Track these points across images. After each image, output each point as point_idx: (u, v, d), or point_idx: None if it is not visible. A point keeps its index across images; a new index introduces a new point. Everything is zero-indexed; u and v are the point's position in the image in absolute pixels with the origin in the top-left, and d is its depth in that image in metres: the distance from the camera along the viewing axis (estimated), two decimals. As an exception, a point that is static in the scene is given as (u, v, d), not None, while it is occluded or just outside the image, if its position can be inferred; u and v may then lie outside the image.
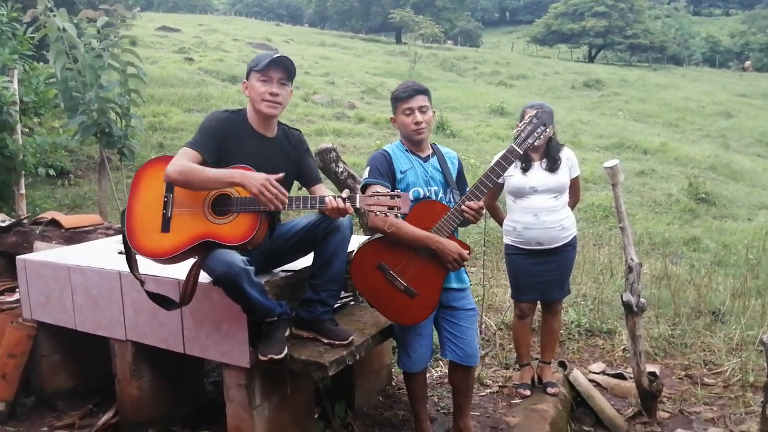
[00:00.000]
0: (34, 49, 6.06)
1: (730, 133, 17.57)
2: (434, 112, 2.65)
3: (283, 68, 2.36)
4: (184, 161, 2.19)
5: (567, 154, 3.25)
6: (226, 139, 2.31)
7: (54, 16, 4.61)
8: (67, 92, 4.87)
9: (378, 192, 2.20)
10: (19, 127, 5.17)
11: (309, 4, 52.73)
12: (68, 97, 4.89)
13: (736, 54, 44.63)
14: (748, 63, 40.12)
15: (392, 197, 2.10)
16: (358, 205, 2.17)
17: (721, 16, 75.45)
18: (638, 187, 10.13)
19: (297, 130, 2.60)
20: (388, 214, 2.12)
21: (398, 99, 2.54)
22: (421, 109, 2.53)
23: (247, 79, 2.40)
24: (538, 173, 3.18)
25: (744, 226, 8.45)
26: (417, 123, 2.52)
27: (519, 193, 3.21)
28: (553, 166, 3.17)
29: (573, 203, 3.38)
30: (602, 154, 12.27)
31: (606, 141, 13.72)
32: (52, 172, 5.99)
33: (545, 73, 28.36)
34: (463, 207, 2.40)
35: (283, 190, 2.13)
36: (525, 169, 3.18)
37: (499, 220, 3.45)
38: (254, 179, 2.10)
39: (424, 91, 2.56)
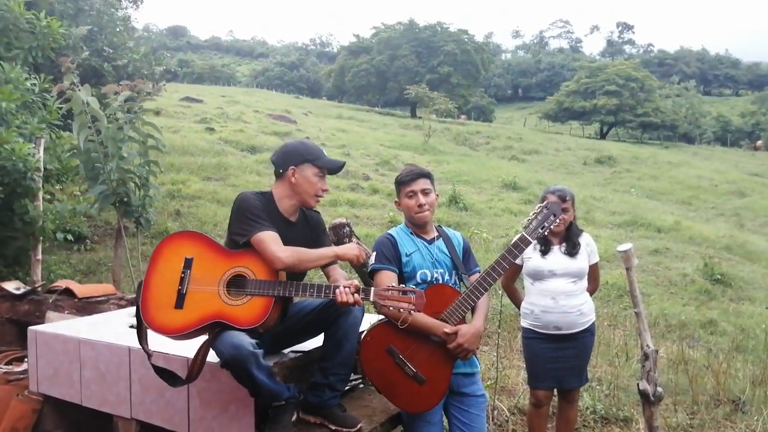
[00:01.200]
0: (61, 118, 6.32)
1: (744, 213, 17.52)
2: (437, 195, 2.71)
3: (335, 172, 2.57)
4: (286, 247, 2.28)
5: (587, 240, 3.27)
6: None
7: (79, 90, 4.84)
8: (89, 163, 5.03)
9: (393, 287, 2.21)
10: (41, 193, 5.32)
11: (328, 79, 54.76)
12: (90, 167, 5.05)
13: (747, 133, 45.25)
14: (759, 142, 40.55)
15: (405, 292, 2.11)
16: (371, 299, 2.18)
17: (731, 97, 77.07)
18: (653, 266, 10.03)
19: (316, 212, 2.66)
20: (402, 310, 2.13)
21: (401, 182, 2.61)
22: (424, 192, 2.58)
23: (296, 164, 2.44)
24: (557, 257, 3.18)
25: (762, 309, 8.28)
26: (420, 205, 2.57)
27: (537, 276, 3.20)
28: (572, 250, 3.18)
29: (592, 290, 3.35)
30: (615, 232, 12.25)
31: (619, 218, 13.71)
32: (70, 237, 6.09)
33: (557, 148, 28.79)
34: (451, 346, 2.41)
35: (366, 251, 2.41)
36: (544, 252, 3.19)
37: (517, 303, 3.42)
38: (350, 250, 2.38)
39: (427, 175, 2.63)
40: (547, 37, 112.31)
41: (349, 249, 2.36)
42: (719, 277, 9.33)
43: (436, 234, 2.69)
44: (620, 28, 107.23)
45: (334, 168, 2.51)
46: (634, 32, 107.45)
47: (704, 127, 49.34)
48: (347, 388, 2.73)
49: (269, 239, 2.26)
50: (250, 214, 2.33)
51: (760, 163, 31.18)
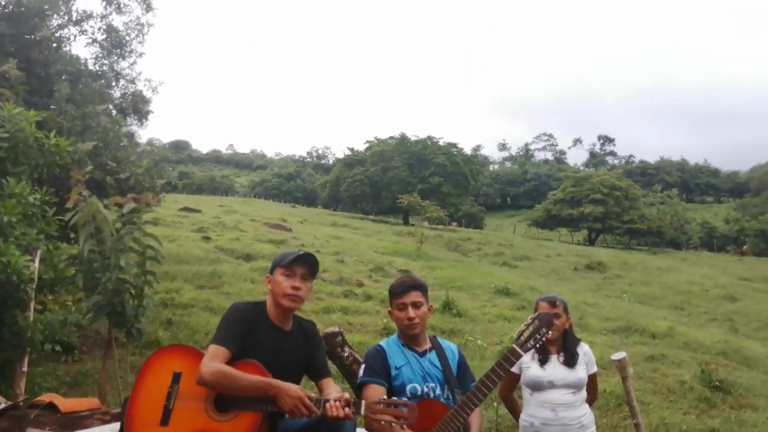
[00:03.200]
0: (59, 229, 6.44)
1: (737, 317, 17.45)
2: (431, 306, 2.71)
3: (306, 264, 2.52)
4: (218, 364, 2.22)
5: (584, 350, 3.28)
6: (246, 330, 2.38)
7: (89, 202, 5.01)
8: (89, 273, 5.09)
9: (384, 400, 2.19)
10: (32, 304, 5.30)
11: (324, 189, 56.30)
12: (89, 278, 5.10)
13: (733, 239, 46.07)
14: (746, 247, 41.22)
15: (397, 405, 2.11)
16: (362, 413, 2.17)
17: (713, 204, 79.32)
18: (649, 373, 9.83)
19: (311, 322, 2.69)
20: (394, 424, 2.11)
21: (393, 294, 2.62)
22: (415, 305, 2.58)
23: (271, 274, 2.54)
24: (555, 367, 3.17)
25: (765, 418, 8.04)
26: (409, 319, 2.57)
27: (536, 386, 3.16)
28: (570, 360, 3.18)
29: (591, 400, 3.32)
30: (610, 338, 12.10)
31: (613, 324, 13.60)
32: (58, 348, 5.99)
33: (548, 254, 29.10)
34: None
35: (315, 409, 2.15)
36: (542, 362, 3.17)
37: (515, 414, 3.36)
38: (290, 395, 2.14)
39: (419, 287, 2.63)
40: (532, 149, 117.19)
41: (290, 392, 2.16)
42: (718, 383, 9.14)
43: (429, 346, 2.65)
44: (601, 141, 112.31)
45: (293, 260, 2.48)
46: (614, 144, 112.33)
47: (690, 233, 50.34)
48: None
49: (211, 352, 2.27)
50: (222, 324, 2.40)
51: (748, 268, 31.48)
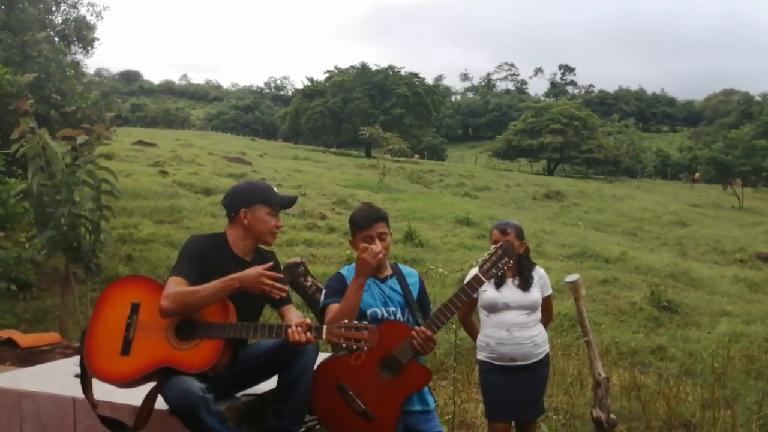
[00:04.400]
0: (6, 164, 6.15)
1: (686, 242, 18.29)
2: (391, 234, 2.72)
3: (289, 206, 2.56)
4: (169, 292, 2.20)
5: (540, 273, 3.38)
6: (206, 263, 2.34)
7: (37, 134, 4.76)
8: (40, 207, 4.92)
9: (346, 323, 2.20)
10: (-17, 242, 5.14)
11: (283, 121, 55.04)
12: (41, 212, 4.93)
13: (686, 167, 47.55)
14: (697, 175, 42.64)
15: (359, 329, 2.13)
16: (324, 337, 2.19)
17: (669, 133, 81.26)
18: (602, 295, 10.32)
19: (270, 251, 2.66)
20: (356, 347, 2.14)
21: (358, 226, 2.58)
22: (381, 236, 2.57)
23: (247, 206, 2.45)
24: (510, 290, 3.28)
25: (707, 334, 8.60)
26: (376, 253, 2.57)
27: (492, 309, 3.29)
28: (525, 284, 3.29)
29: (546, 321, 3.46)
30: (566, 263, 12.57)
31: (569, 250, 14.10)
32: (13, 287, 5.86)
33: (507, 185, 29.58)
34: (413, 332, 2.41)
35: (278, 275, 2.24)
36: (498, 285, 3.28)
37: (473, 335, 3.49)
38: (250, 278, 2.18)
39: (383, 218, 2.62)
40: (494, 79, 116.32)
41: (249, 275, 2.20)
42: (666, 304, 9.66)
43: (390, 272, 2.68)
44: (562, 71, 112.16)
45: (286, 204, 2.54)
46: (575, 74, 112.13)
47: (645, 161, 51.69)
48: (302, 430, 2.69)
49: (169, 283, 2.26)
50: (181, 256, 2.37)
51: (699, 195, 32.79)
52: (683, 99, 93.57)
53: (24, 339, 3.87)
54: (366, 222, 2.58)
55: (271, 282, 2.21)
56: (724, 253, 16.86)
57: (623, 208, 23.74)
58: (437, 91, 55.02)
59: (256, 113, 73.97)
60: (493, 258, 2.54)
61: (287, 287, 2.25)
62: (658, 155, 51.47)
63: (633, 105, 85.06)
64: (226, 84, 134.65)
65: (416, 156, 46.42)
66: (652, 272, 12.30)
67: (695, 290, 11.54)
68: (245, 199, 2.47)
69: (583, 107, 50.93)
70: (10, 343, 3.82)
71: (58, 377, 2.94)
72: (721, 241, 18.10)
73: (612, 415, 3.26)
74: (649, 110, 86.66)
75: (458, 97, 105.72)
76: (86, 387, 2.28)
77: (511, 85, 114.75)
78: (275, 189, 2.56)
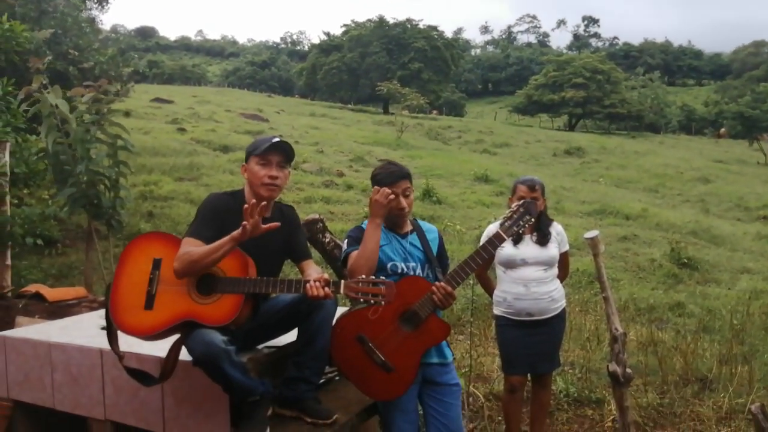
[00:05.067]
0: (27, 122, 6.18)
1: (709, 198, 17.99)
2: (413, 190, 2.72)
3: (281, 152, 2.44)
4: (184, 249, 2.22)
5: (557, 229, 3.37)
6: (224, 220, 2.34)
7: (48, 92, 4.75)
8: (57, 165, 4.95)
9: (363, 278, 2.22)
10: (8, 198, 5.22)
11: (300, 77, 54.44)
12: (58, 170, 4.97)
13: (711, 122, 46.33)
14: (723, 130, 41.58)
15: (376, 284, 2.14)
16: (342, 292, 2.20)
17: (695, 87, 78.88)
18: (621, 252, 10.25)
19: (290, 206, 2.66)
20: (373, 301, 2.15)
21: (382, 184, 2.54)
22: (405, 193, 2.57)
23: (246, 162, 2.47)
24: (528, 246, 3.28)
25: (727, 291, 8.53)
26: (401, 209, 2.57)
27: (509, 264, 3.29)
28: (543, 239, 3.28)
29: (562, 277, 3.46)
30: (585, 220, 12.47)
31: (588, 207, 13.97)
32: (40, 242, 5.96)
33: (527, 141, 29.15)
34: (433, 287, 2.42)
35: (262, 205, 2.17)
36: (516, 241, 3.27)
37: (489, 291, 3.50)
38: (245, 225, 2.12)
39: (407, 175, 2.60)
40: (515, 32, 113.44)
41: (241, 232, 2.16)
42: (686, 261, 9.58)
43: (410, 228, 2.69)
44: (586, 22, 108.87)
45: (268, 147, 2.41)
46: (599, 26, 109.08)
47: (669, 116, 50.41)
48: (322, 381, 2.75)
49: (183, 243, 2.26)
50: (198, 215, 2.38)
51: (724, 150, 32.02)
52: (711, 51, 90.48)
53: (51, 293, 3.97)
54: (390, 179, 2.56)
55: (257, 212, 2.13)
56: (747, 210, 16.57)
57: (645, 164, 23.33)
58: (456, 45, 53.76)
59: (273, 69, 73.27)
60: (515, 216, 2.51)
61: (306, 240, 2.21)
62: (683, 110, 50.16)
63: (658, 58, 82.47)
64: (242, 39, 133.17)
65: (434, 112, 45.80)
66: (673, 229, 12.16)
67: (716, 247, 11.41)
68: (246, 154, 2.50)
69: (606, 60, 49.40)
70: (38, 297, 3.93)
71: (85, 330, 3.03)
72: (744, 198, 17.77)
73: (628, 370, 3.27)
74: (675, 63, 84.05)
75: (478, 51, 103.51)
76: (112, 339, 2.35)
77: (532, 38, 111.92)
78: (276, 138, 2.48)
